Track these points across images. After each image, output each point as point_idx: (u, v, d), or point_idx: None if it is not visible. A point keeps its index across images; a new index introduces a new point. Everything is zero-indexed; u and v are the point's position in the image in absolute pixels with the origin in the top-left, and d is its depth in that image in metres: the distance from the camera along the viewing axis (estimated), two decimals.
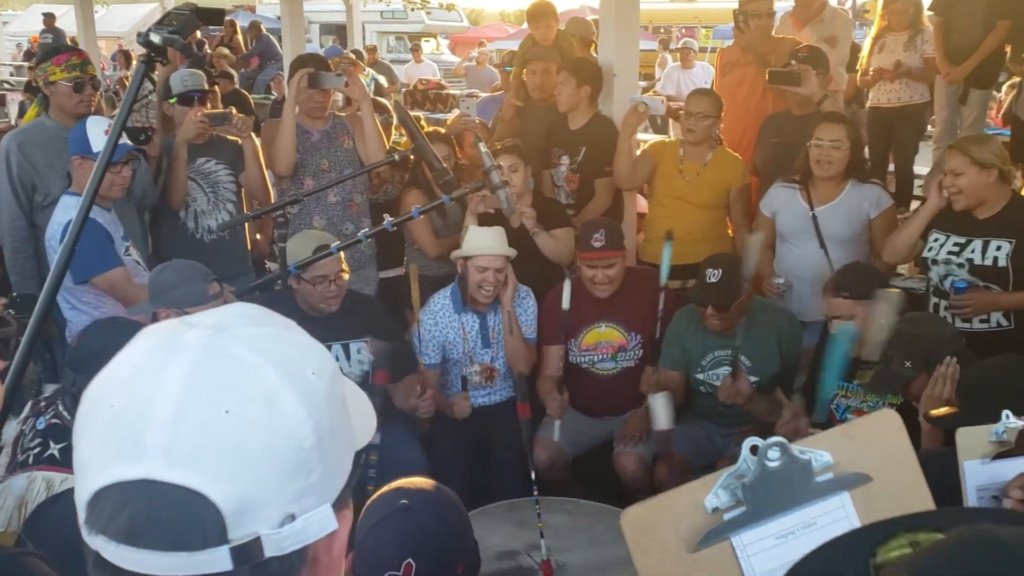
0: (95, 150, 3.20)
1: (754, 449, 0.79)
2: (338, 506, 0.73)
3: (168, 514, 0.65)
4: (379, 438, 2.63)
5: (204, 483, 0.65)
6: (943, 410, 2.23)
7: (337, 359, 3.41)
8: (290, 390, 0.70)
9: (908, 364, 2.67)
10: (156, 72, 4.38)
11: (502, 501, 3.01)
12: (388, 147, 4.48)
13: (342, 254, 3.36)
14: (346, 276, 3.39)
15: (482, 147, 2.88)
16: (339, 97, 5.69)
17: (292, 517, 0.68)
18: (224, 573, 0.66)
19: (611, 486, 3.57)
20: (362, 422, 0.81)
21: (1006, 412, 1.59)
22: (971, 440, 1.56)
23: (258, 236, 4.73)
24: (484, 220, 3.80)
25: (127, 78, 6.14)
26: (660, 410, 3.24)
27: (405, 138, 4.67)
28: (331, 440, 0.72)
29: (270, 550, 0.67)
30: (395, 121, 5.16)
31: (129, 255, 3.37)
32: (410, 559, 1.55)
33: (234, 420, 0.67)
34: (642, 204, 4.87)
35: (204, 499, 0.65)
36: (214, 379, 0.68)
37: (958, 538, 0.45)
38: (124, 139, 3.34)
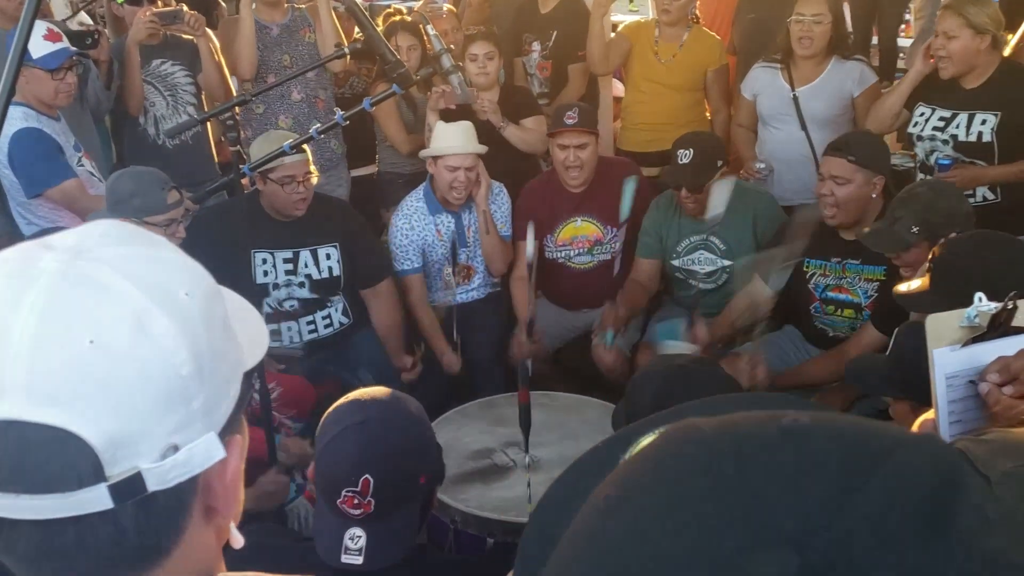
0: (35, 56, 3.04)
1: None
2: (228, 431, 0.69)
3: (36, 456, 0.61)
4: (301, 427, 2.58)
5: (71, 420, 0.61)
6: (914, 286, 2.13)
7: (306, 265, 3.32)
8: (161, 314, 0.64)
9: (915, 229, 2.51)
10: None
11: (480, 399, 2.99)
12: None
13: (309, 154, 3.23)
14: (314, 179, 3.27)
15: (430, 29, 2.73)
16: None
17: (175, 448, 0.64)
18: (108, 511, 0.63)
19: (593, 377, 3.57)
20: (251, 341, 0.76)
21: (978, 295, 1.49)
22: (941, 327, 1.46)
23: (223, 139, 4.57)
24: (448, 117, 3.62)
25: None
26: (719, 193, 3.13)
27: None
28: (212, 364, 0.67)
29: (153, 484, 0.63)
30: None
31: (82, 165, 3.24)
32: (367, 474, 1.51)
33: (100, 351, 0.62)
34: (619, 89, 4.71)
35: (74, 437, 0.61)
36: (74, 308, 0.63)
37: (662, 442, 0.44)
38: (66, 43, 3.17)
